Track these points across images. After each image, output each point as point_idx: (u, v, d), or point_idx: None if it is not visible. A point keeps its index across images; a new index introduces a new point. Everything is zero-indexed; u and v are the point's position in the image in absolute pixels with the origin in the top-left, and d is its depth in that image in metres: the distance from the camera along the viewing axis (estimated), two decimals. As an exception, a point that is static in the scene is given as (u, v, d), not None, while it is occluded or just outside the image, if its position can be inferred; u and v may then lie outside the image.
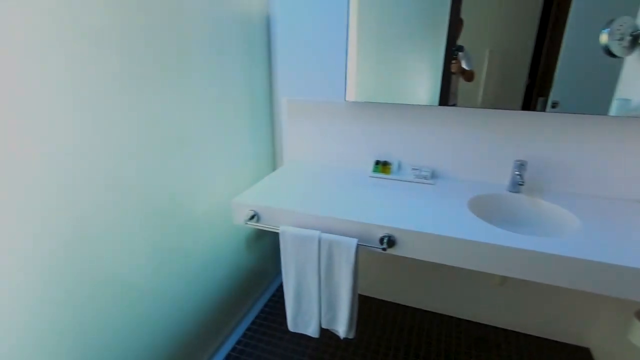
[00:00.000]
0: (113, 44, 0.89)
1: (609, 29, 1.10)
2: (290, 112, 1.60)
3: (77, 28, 0.80)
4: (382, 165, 1.46)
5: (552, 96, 1.21)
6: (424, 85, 1.32)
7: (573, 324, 1.49)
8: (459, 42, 1.24)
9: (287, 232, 1.16)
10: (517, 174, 1.26)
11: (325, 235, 1.11)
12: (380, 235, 1.08)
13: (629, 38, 1.09)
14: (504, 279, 1.42)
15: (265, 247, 1.85)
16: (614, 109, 1.15)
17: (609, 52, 1.12)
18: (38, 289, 0.80)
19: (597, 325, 1.45)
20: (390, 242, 1.07)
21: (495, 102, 1.27)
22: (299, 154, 1.66)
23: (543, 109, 1.22)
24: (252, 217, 1.23)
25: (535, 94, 1.22)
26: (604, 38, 1.11)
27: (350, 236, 1.11)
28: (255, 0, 1.43)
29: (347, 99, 1.39)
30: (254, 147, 1.60)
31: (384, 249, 1.06)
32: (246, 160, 1.55)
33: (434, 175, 1.44)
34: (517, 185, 1.27)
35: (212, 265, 1.42)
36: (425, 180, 1.38)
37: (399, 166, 1.48)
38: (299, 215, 1.17)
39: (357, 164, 1.56)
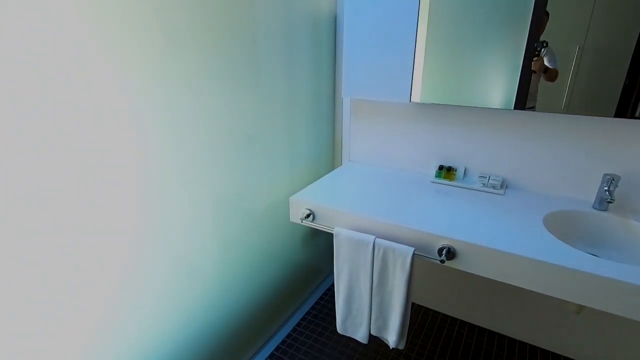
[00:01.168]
0: (189, 43, 0.95)
1: None
2: (353, 112, 1.58)
3: (156, 27, 0.87)
4: (445, 171, 1.38)
5: None
6: (499, 86, 1.21)
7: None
8: (543, 37, 1.12)
9: (341, 234, 1.15)
10: (606, 190, 1.10)
11: (380, 241, 1.08)
12: (440, 245, 1.02)
13: None
14: (581, 307, 1.27)
15: (321, 245, 1.86)
16: None
17: None
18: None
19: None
20: (450, 254, 1.01)
21: (582, 106, 1.12)
22: (359, 155, 1.63)
23: None
24: (307, 216, 1.24)
25: (635, 97, 1.06)
26: None
27: (406, 244, 1.07)
28: (323, 1, 1.44)
29: (412, 100, 1.33)
30: (316, 146, 1.61)
31: (442, 261, 1.00)
32: (307, 159, 1.57)
33: (504, 185, 1.32)
34: (604, 202, 1.12)
35: (269, 259, 1.46)
36: (494, 190, 1.28)
37: (465, 173, 1.39)
38: (354, 218, 1.15)
39: (419, 168, 1.49)
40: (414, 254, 1.04)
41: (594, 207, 1.15)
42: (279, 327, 1.63)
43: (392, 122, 1.50)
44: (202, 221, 1.11)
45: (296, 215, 1.27)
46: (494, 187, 1.28)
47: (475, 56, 1.21)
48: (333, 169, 1.76)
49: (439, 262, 1.01)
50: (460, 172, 1.39)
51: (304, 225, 1.55)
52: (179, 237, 1.05)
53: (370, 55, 1.35)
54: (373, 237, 1.09)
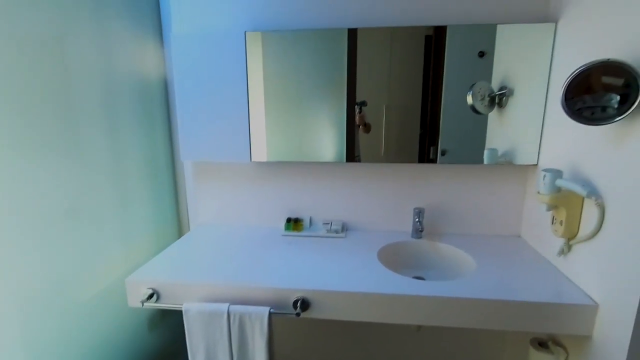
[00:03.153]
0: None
1: (471, 91, 1.30)
2: (195, 175, 1.53)
3: None
4: (294, 223, 1.45)
5: (441, 145, 1.35)
6: (330, 141, 1.38)
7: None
8: (361, 98, 1.35)
9: (191, 309, 1.04)
10: (417, 221, 1.34)
11: (235, 308, 1.03)
12: (294, 298, 1.04)
13: (487, 98, 1.30)
14: (419, 326, 1.46)
15: (174, 325, 1.64)
16: (486, 158, 1.33)
17: (474, 110, 1.31)
18: None
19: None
20: (305, 305, 1.03)
21: (395, 155, 1.37)
22: (207, 218, 1.57)
23: (435, 157, 1.35)
24: (150, 297, 1.08)
25: (427, 143, 1.36)
26: (469, 98, 1.30)
27: (263, 304, 1.05)
28: (151, 63, 1.40)
29: (253, 160, 1.38)
30: (157, 215, 1.47)
31: (297, 314, 1.01)
32: (147, 230, 1.41)
33: (345, 229, 1.47)
34: (418, 231, 1.36)
35: (106, 356, 1.19)
36: (336, 234, 1.40)
37: (311, 222, 1.49)
38: (207, 288, 1.07)
39: (270, 223, 1.52)
40: (270, 313, 1.02)
41: (412, 237, 1.39)
42: None
43: (238, 181, 1.51)
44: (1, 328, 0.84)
45: (136, 297, 1.10)
46: (336, 231, 1.41)
47: (311, 116, 1.36)
48: (180, 236, 1.63)
49: (294, 315, 1.01)
50: (306, 222, 1.48)
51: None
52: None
53: (206, 118, 1.36)
54: (227, 304, 1.03)
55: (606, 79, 0.83)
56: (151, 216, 1.43)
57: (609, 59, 0.82)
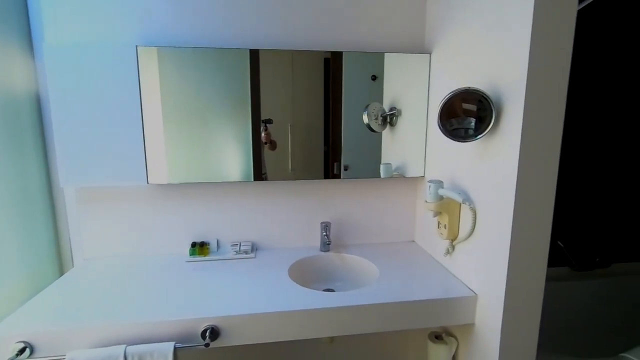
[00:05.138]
0: None
1: (366, 111, 1.41)
2: (80, 203, 1.34)
3: None
4: (199, 247, 1.37)
5: (344, 161, 1.43)
6: (236, 160, 1.35)
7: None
8: (267, 116, 1.36)
9: (77, 358, 0.90)
10: (325, 235, 1.40)
11: (132, 349, 0.92)
12: (202, 328, 0.98)
13: (380, 118, 1.43)
14: (332, 338, 1.50)
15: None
16: (382, 172, 1.46)
17: (370, 128, 1.43)
18: None
19: (411, 357, 1.67)
20: (214, 333, 0.97)
21: (303, 171, 1.41)
22: (95, 251, 1.38)
23: (339, 172, 1.43)
24: (22, 351, 0.91)
25: (331, 159, 1.42)
26: (364, 118, 1.42)
27: (168, 339, 0.96)
28: (17, 76, 1.20)
29: (150, 182, 1.28)
30: (29, 253, 1.24)
31: (207, 345, 0.95)
32: (17, 272, 1.18)
33: (255, 248, 1.44)
34: (326, 245, 1.41)
35: None
36: (246, 255, 1.37)
37: (218, 245, 1.43)
38: (97, 331, 0.94)
39: (173, 250, 1.41)
40: (175, 348, 0.94)
41: (320, 250, 1.43)
42: None
43: (134, 207, 1.37)
44: None
45: (1, 355, 0.91)
46: (245, 252, 1.38)
47: (216, 136, 1.32)
48: (62, 274, 1.41)
49: (204, 346, 0.95)
50: (213, 245, 1.41)
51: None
52: None
53: (90, 139, 1.22)
54: (123, 346, 0.92)
55: (465, 105, 0.99)
56: (21, 255, 1.20)
57: (468, 88, 0.98)
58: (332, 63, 1.37)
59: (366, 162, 1.45)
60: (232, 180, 1.36)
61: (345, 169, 1.44)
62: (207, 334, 0.96)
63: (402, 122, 1.43)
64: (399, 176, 1.47)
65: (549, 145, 0.91)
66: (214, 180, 1.34)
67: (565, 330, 1.73)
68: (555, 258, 1.75)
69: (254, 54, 1.30)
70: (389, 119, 1.43)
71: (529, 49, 0.85)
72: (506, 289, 0.96)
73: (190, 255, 1.36)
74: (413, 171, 1.47)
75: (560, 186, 1.71)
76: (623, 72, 1.69)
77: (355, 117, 1.41)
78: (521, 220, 0.93)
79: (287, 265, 1.29)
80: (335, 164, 1.43)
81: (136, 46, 1.22)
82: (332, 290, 1.29)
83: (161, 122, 1.27)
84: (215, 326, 0.98)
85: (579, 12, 0.95)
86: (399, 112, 1.43)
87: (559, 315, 1.72)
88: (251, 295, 1.09)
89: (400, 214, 1.55)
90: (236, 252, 1.37)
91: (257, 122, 1.34)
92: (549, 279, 1.71)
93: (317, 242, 1.49)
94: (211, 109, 1.30)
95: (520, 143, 0.89)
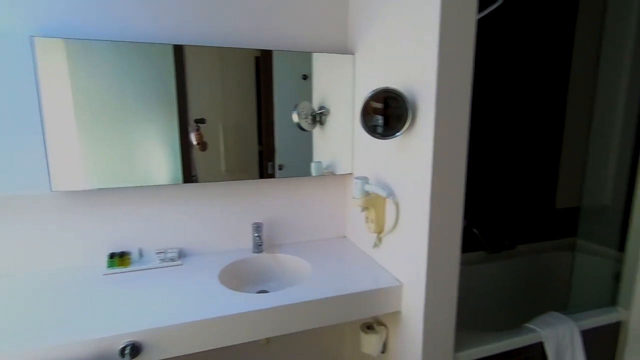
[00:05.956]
0: None
1: (296, 110, 1.42)
2: (-34, 216, 1.15)
3: None
4: (118, 258, 1.26)
5: (278, 160, 1.42)
6: (163, 162, 1.26)
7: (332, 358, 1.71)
8: (197, 115, 1.29)
9: (-36, 398, 0.77)
10: (257, 236, 1.37)
11: (36, 378, 0.82)
12: (121, 345, 0.90)
13: (310, 117, 1.44)
14: (268, 339, 1.48)
15: None
16: (313, 170, 1.47)
17: (300, 127, 1.44)
18: None
19: (347, 350, 1.72)
20: (135, 350, 0.90)
21: (237, 172, 1.37)
22: (-9, 270, 1.20)
23: (273, 172, 1.41)
24: None
25: (265, 159, 1.40)
26: (294, 117, 1.42)
27: (80, 362, 0.87)
28: None
29: (55, 189, 1.14)
30: None
31: (126, 363, 0.88)
32: None
33: (182, 255, 1.37)
34: (258, 246, 1.39)
35: None
36: (172, 263, 1.29)
37: (141, 254, 1.33)
38: (-11, 363, 0.82)
39: (86, 263, 1.28)
40: (89, 371, 0.85)
41: (253, 252, 1.40)
42: None
43: (35, 218, 1.21)
44: None
45: None
46: (172, 260, 1.30)
47: (139, 136, 1.22)
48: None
49: (123, 366, 0.88)
50: (135, 255, 1.31)
51: None
52: None
53: (-23, 142, 1.06)
54: (24, 377, 0.81)
55: (375, 104, 1.05)
56: None
57: (387, 88, 1.03)
58: (262, 62, 1.35)
59: (299, 161, 1.46)
60: (158, 184, 1.27)
61: (280, 168, 1.43)
62: (127, 351, 0.89)
63: (331, 121, 1.46)
64: (330, 174, 1.50)
65: (458, 142, 0.99)
66: (137, 184, 1.24)
67: (480, 308, 1.91)
68: (471, 244, 1.93)
69: (179, 50, 1.23)
70: (319, 118, 1.45)
71: (437, 54, 0.92)
72: (427, 276, 1.04)
73: (108, 267, 1.24)
74: (342, 169, 1.51)
75: (472, 179, 1.88)
76: (521, 72, 1.91)
77: (287, 117, 1.41)
78: (437, 212, 1.01)
79: (218, 270, 1.24)
80: (269, 163, 1.42)
81: (31, 37, 1.08)
82: (266, 292, 1.27)
83: (74, 124, 1.14)
84: (136, 342, 0.91)
85: (479, 20, 1.05)
86: (328, 112, 1.46)
87: (475, 296, 1.90)
88: (178, 305, 1.03)
89: (331, 210, 1.58)
90: (161, 260, 1.29)
91: (185, 121, 1.27)
92: (466, 263, 1.89)
93: (250, 244, 1.46)
94: (133, 108, 1.20)
95: (434, 139, 0.96)
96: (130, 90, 1.20)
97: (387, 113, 1.06)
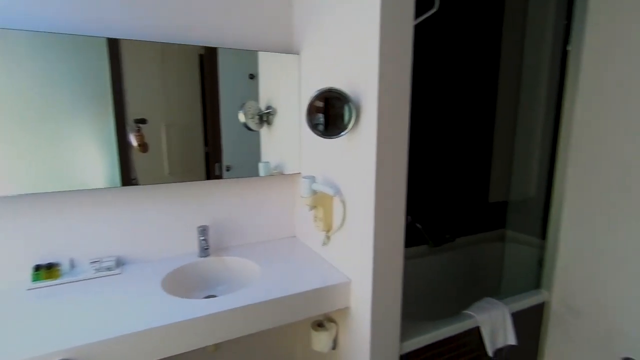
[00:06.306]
0: None
1: (242, 110, 1.39)
2: None
3: None
4: (46, 270, 1.14)
5: (225, 161, 1.38)
6: (99, 165, 1.17)
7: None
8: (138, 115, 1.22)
9: None
10: (202, 239, 1.33)
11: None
12: (50, 366, 0.82)
13: (257, 117, 1.42)
14: (216, 345, 1.44)
15: None
16: (261, 170, 1.46)
17: (247, 127, 1.41)
18: None
19: (299, 349, 1.73)
20: (67, 369, 0.83)
21: (181, 173, 1.31)
22: None
23: (220, 173, 1.37)
24: None
25: (212, 159, 1.36)
26: (241, 117, 1.39)
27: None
28: None
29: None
30: None
31: (57, 384, 0.80)
32: None
33: (120, 264, 1.28)
34: (204, 249, 1.34)
35: None
36: (109, 272, 1.20)
37: (73, 264, 1.22)
38: None
39: (7, 277, 1.15)
40: (11, 398, 0.77)
41: (199, 256, 1.35)
42: None
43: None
44: None
45: None
46: (109, 269, 1.21)
47: (71, 138, 1.12)
48: None
49: (53, 387, 0.80)
50: (66, 266, 1.20)
51: None
52: None
53: None
54: None
55: (318, 103, 1.07)
56: None
57: (331, 88, 1.05)
58: (207, 60, 1.30)
59: (247, 161, 1.44)
60: (94, 188, 1.18)
61: (228, 169, 1.40)
62: (58, 371, 0.81)
63: (278, 121, 1.46)
64: (278, 174, 1.49)
65: (399, 141, 1.04)
66: (69, 188, 1.14)
67: (425, 299, 2.02)
68: (415, 238, 2.03)
69: (114, 44, 1.15)
70: (266, 117, 1.44)
71: (378, 57, 0.96)
72: (373, 271, 1.07)
73: (33, 281, 1.13)
74: (291, 168, 1.51)
75: (413, 176, 1.98)
76: (456, 75, 2.05)
77: (234, 117, 1.38)
78: (381, 209, 1.05)
79: (161, 277, 1.18)
80: (216, 164, 1.38)
81: None
82: (214, 296, 1.23)
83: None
84: (69, 359, 0.84)
85: (416, 25, 1.11)
86: (275, 111, 1.45)
87: (420, 287, 2.00)
88: (116, 317, 0.96)
89: (280, 210, 1.57)
90: (96, 270, 1.20)
91: (122, 121, 1.19)
92: (410, 257, 1.98)
93: (196, 248, 1.41)
94: (63, 107, 1.10)
95: (377, 139, 1.00)
96: (59, 87, 1.10)
97: (332, 113, 1.08)
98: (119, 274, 1.22)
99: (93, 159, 1.17)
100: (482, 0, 2.04)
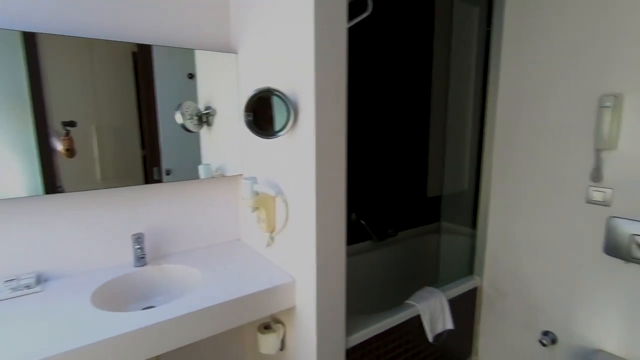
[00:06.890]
0: None
1: (180, 111, 1.33)
2: None
3: None
4: (-53, 294, 1.00)
5: (164, 165, 1.31)
6: (15, 173, 1.05)
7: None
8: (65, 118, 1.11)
9: None
10: (138, 248, 1.25)
11: None
12: (-46, 402, 0.72)
13: (196, 117, 1.37)
14: (157, 357, 1.37)
15: None
16: (202, 173, 1.41)
17: (185, 129, 1.36)
18: None
19: (249, 352, 1.69)
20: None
21: (116, 178, 1.23)
22: None
23: (160, 177, 1.30)
24: None
25: (150, 163, 1.28)
26: (178, 118, 1.33)
27: None
28: None
29: None
30: None
31: (-37, 422, 0.71)
32: None
33: (42, 280, 1.16)
34: (140, 258, 1.26)
35: None
36: (28, 291, 1.08)
37: (-17, 284, 1.08)
38: None
39: None
40: None
41: (135, 266, 1.27)
42: None
43: None
44: None
45: None
46: (28, 287, 1.09)
47: None
48: None
49: None
50: (-27, 287, 1.06)
51: None
52: None
53: None
54: None
55: (256, 103, 1.07)
56: None
57: (268, 88, 1.05)
58: (140, 58, 1.23)
59: (187, 164, 1.38)
60: (9, 197, 1.05)
61: (168, 173, 1.33)
62: (-37, 406, 0.72)
63: (218, 122, 1.42)
64: (220, 176, 1.45)
65: (337, 140, 1.07)
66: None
67: (369, 293, 2.09)
68: (359, 235, 2.09)
69: (31, 39, 1.04)
70: (205, 118, 1.39)
71: (313, 60, 0.97)
72: (316, 269, 1.09)
73: None
74: (233, 170, 1.47)
75: (355, 174, 2.04)
76: (391, 76, 2.14)
77: (172, 118, 1.32)
78: (322, 207, 1.07)
79: (90, 292, 1.09)
80: (154, 168, 1.30)
81: None
82: (153, 307, 1.16)
83: None
84: (-23, 392, 0.74)
85: (351, 28, 1.15)
86: (215, 112, 1.41)
87: (365, 282, 2.06)
88: (34, 339, 0.87)
89: (223, 213, 1.53)
90: (13, 289, 1.07)
91: (44, 124, 1.08)
92: (355, 253, 2.04)
93: (132, 258, 1.32)
94: None
95: (315, 138, 1.01)
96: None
97: (270, 112, 1.07)
98: (40, 291, 1.10)
99: (10, 165, 1.05)
100: (413, 4, 2.16)
